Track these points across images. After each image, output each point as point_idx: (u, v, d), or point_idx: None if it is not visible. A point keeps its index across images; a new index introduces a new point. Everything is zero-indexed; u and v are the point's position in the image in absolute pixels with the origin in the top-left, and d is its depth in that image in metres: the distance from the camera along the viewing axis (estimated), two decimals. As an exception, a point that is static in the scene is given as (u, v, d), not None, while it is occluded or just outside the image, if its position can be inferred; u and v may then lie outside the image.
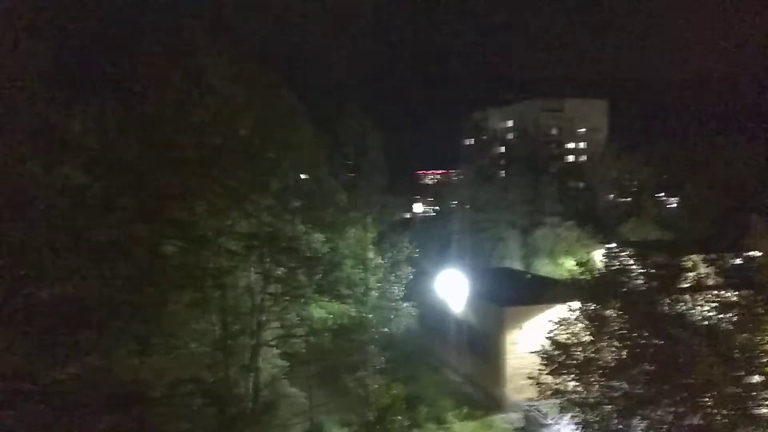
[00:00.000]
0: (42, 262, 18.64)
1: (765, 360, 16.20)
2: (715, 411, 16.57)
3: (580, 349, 19.02)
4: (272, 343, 23.33)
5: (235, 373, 22.38)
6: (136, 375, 19.72)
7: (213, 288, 21.43)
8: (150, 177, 20.72)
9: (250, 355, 22.27)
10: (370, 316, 24.25)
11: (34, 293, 18.42)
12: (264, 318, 22.24)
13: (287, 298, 22.33)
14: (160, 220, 21.00)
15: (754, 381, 16.33)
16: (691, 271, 18.24)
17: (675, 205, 78.54)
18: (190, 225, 21.12)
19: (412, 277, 25.67)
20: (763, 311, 16.20)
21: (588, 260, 20.89)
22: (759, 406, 16.29)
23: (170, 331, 21.35)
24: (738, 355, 16.36)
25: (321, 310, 23.24)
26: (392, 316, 24.97)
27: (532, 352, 20.74)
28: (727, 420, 16.42)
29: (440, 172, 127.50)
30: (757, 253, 17.92)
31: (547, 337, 20.04)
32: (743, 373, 16.32)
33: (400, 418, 22.42)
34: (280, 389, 24.06)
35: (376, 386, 23.63)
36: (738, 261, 18.31)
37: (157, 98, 21.19)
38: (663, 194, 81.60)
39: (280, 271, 22.26)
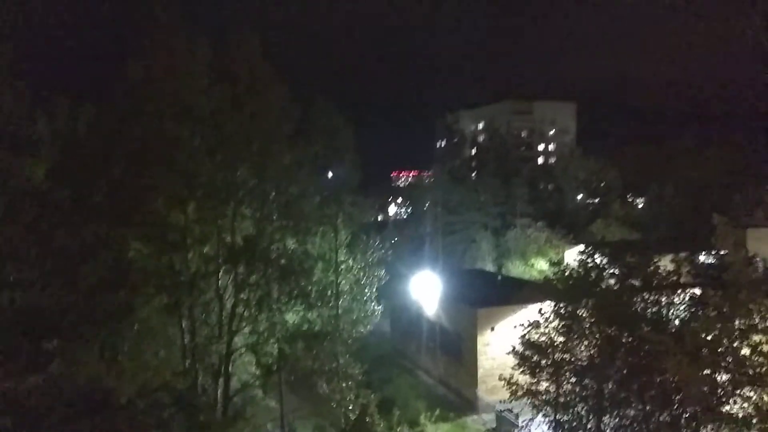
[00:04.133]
0: (4, 268, 18.07)
1: (731, 359, 16.48)
2: (682, 409, 16.82)
3: (552, 348, 19.13)
4: (243, 349, 22.96)
5: (205, 380, 21.98)
6: (102, 382, 19.23)
7: (185, 293, 21.04)
8: (123, 178, 20.30)
9: (220, 361, 21.90)
10: (343, 320, 24.04)
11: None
12: (235, 324, 21.88)
13: (259, 304, 22.00)
14: (131, 222, 20.57)
15: (721, 379, 16.61)
16: (662, 271, 18.48)
17: (641, 205, 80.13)
18: (167, 229, 20.73)
19: (384, 280, 25.48)
20: (730, 311, 16.47)
21: (560, 260, 21.05)
22: (724, 403, 16.56)
23: (138, 337, 20.89)
24: (706, 354, 16.62)
25: (293, 315, 22.94)
26: (364, 319, 24.75)
27: (506, 354, 20.79)
28: (693, 417, 16.69)
29: (414, 173, 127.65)
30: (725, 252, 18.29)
31: (519, 338, 20.11)
32: (710, 371, 16.57)
33: (373, 422, 22.27)
34: (252, 396, 23.69)
35: (349, 391, 23.41)
36: (708, 260, 18.58)
37: (136, 98, 20.72)
38: (630, 195, 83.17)
39: (253, 277, 21.93)
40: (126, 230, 20.77)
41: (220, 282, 21.89)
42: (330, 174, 26.41)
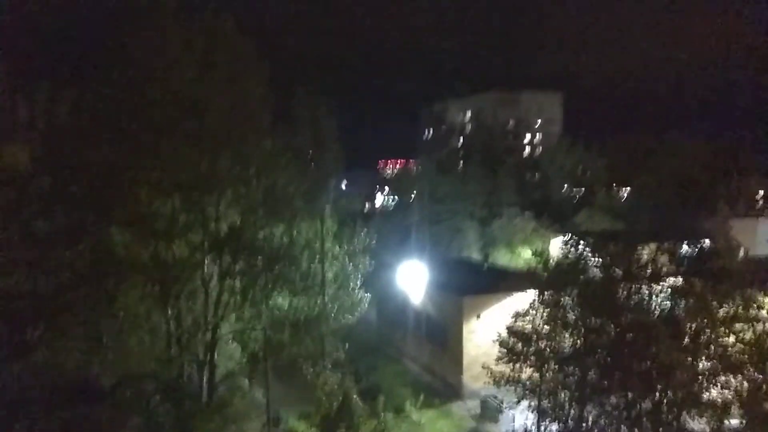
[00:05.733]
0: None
1: (713, 346, 16.72)
2: (664, 396, 17.07)
3: (537, 337, 19.31)
4: (229, 337, 22.90)
5: (190, 368, 21.91)
6: (86, 370, 19.14)
7: (170, 282, 20.89)
8: (105, 166, 20.00)
9: (206, 349, 21.83)
10: (329, 307, 24.02)
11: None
12: (221, 312, 21.80)
13: (245, 292, 21.91)
14: (114, 209, 20.33)
15: (702, 366, 16.86)
16: (646, 261, 18.64)
17: (626, 196, 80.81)
18: (153, 218, 20.51)
19: (371, 268, 25.47)
20: (714, 300, 16.66)
21: (544, 250, 21.17)
22: (706, 390, 16.83)
23: (123, 325, 20.75)
24: (688, 341, 16.85)
25: (279, 304, 22.89)
26: (350, 307, 24.75)
27: (491, 341, 20.94)
28: (674, 404, 16.95)
29: (400, 162, 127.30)
30: (707, 242, 18.50)
31: (505, 327, 20.26)
32: (692, 359, 16.82)
33: (357, 408, 22.35)
34: (238, 384, 23.67)
35: (335, 378, 23.46)
36: (690, 250, 18.75)
37: (119, 78, 20.30)
38: (615, 186, 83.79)
39: (239, 266, 21.81)
40: (109, 218, 20.54)
41: (205, 270, 21.76)
42: (315, 163, 26.22)
